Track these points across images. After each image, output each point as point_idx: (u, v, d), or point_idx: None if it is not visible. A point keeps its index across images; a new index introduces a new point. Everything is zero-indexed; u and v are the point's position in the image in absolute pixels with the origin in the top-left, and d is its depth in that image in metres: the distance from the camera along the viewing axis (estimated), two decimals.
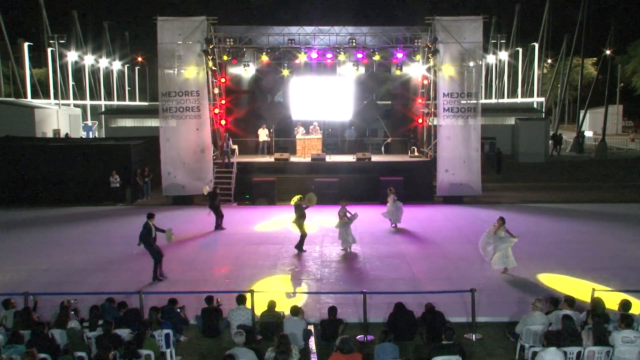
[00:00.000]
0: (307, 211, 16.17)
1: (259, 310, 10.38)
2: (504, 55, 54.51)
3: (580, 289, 12.28)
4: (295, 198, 16.14)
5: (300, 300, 11.92)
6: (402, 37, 24.98)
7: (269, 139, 27.25)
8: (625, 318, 8.63)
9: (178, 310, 10.43)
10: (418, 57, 25.27)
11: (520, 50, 55.18)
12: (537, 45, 52.39)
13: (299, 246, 16.09)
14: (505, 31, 54.63)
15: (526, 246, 16.25)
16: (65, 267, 14.80)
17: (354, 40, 24.90)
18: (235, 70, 27.88)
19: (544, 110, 51.37)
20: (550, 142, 41.33)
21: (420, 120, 25.36)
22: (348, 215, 16.13)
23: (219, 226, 18.94)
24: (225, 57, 24.86)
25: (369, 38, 25.60)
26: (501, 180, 29.13)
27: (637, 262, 14.82)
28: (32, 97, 45.63)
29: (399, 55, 24.89)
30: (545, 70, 64.71)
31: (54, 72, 46.32)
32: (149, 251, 13.73)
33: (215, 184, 20.35)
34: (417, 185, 23.78)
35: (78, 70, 51.50)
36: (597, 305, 9.60)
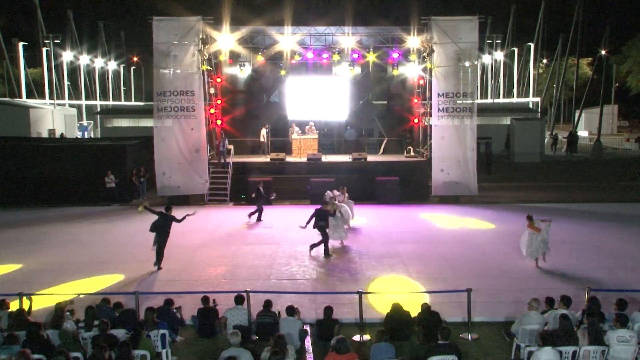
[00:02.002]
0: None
1: (254, 310, 10.38)
2: (499, 55, 54.62)
3: (575, 288, 12.30)
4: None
5: (296, 300, 11.90)
6: (397, 37, 25.04)
7: (264, 140, 27.20)
8: (620, 317, 8.65)
9: (174, 310, 10.42)
10: (414, 57, 25.31)
11: (516, 50, 55.30)
12: (532, 45, 52.51)
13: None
14: (500, 31, 54.72)
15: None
16: (60, 268, 14.74)
17: (349, 32, 24.89)
18: (231, 70, 27.86)
19: (539, 110, 51.51)
20: (560, 141, 41.90)
21: (416, 120, 25.39)
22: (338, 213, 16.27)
23: (259, 218, 19.85)
24: (221, 57, 24.84)
25: (365, 38, 25.61)
26: (497, 180, 29.16)
27: (632, 261, 14.87)
28: (27, 97, 45.54)
29: (395, 55, 24.97)
30: (540, 70, 64.88)
31: (49, 72, 46.18)
32: (164, 241, 14.40)
33: (258, 183, 20.60)
34: (413, 185, 23.81)
35: (73, 70, 51.35)
36: (592, 304, 9.61)
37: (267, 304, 10.32)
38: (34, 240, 17.82)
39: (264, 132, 26.85)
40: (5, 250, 16.57)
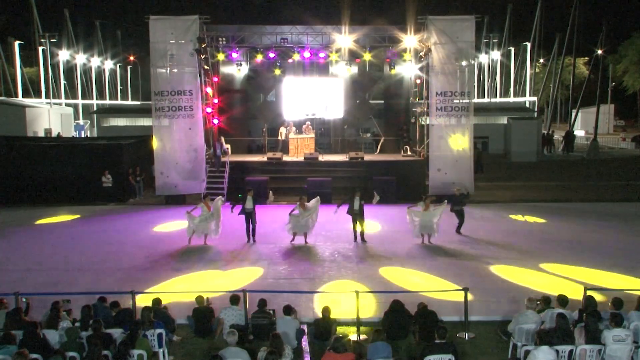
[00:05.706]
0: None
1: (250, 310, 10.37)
2: (496, 54, 54.69)
3: (571, 287, 12.33)
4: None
5: (293, 300, 11.89)
6: (394, 36, 25.03)
7: (283, 139, 27.02)
8: (615, 316, 8.67)
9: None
10: (410, 56, 25.31)
11: (513, 49, 55.37)
12: (529, 45, 52.58)
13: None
14: (497, 31, 54.84)
15: (518, 244, 16.48)
16: (57, 267, 14.71)
17: (346, 32, 24.89)
18: (227, 69, 27.84)
19: (536, 109, 51.60)
20: (561, 140, 42.02)
21: (413, 120, 25.39)
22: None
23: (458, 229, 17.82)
24: (218, 57, 24.82)
25: (362, 37, 25.61)
26: (493, 179, 29.19)
27: (629, 260, 14.90)
28: (23, 96, 45.37)
29: (392, 54, 24.98)
30: (537, 70, 64.99)
31: (46, 71, 46.05)
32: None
33: (455, 188, 18.85)
34: (409, 184, 23.80)
35: (70, 69, 51.22)
36: (589, 303, 9.63)
37: (262, 303, 10.29)
38: (28, 240, 17.80)
39: (283, 130, 26.77)
40: (0, 251, 16.52)
